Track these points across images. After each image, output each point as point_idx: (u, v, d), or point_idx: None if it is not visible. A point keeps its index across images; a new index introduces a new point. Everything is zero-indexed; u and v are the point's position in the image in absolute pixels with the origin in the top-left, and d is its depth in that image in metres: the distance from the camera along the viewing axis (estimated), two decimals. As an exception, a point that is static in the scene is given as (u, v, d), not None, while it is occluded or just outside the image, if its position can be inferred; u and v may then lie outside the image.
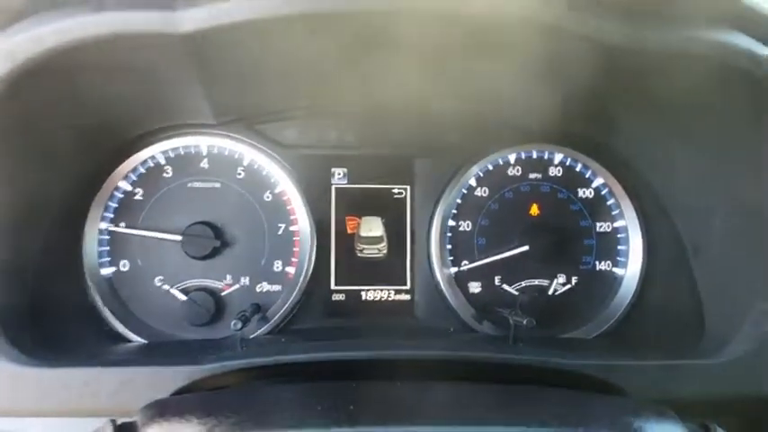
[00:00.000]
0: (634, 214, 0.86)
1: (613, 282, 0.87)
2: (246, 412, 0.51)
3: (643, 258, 0.85)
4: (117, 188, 0.84)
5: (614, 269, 0.87)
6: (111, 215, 0.84)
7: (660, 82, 0.66)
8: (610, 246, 0.88)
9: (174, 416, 0.51)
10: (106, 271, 0.84)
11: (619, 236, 0.88)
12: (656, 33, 0.58)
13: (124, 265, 0.85)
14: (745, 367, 0.66)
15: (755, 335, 0.67)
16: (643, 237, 0.86)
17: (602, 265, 0.88)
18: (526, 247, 0.85)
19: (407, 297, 0.88)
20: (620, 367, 0.66)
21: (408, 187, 0.89)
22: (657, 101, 0.70)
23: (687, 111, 0.70)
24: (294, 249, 0.87)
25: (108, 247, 0.84)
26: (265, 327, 0.84)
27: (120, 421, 0.52)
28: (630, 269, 0.86)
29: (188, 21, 0.56)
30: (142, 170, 0.85)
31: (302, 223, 0.87)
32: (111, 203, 0.84)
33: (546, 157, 0.89)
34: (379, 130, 0.88)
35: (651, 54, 0.60)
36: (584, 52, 0.61)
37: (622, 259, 0.87)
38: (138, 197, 0.85)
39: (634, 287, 0.85)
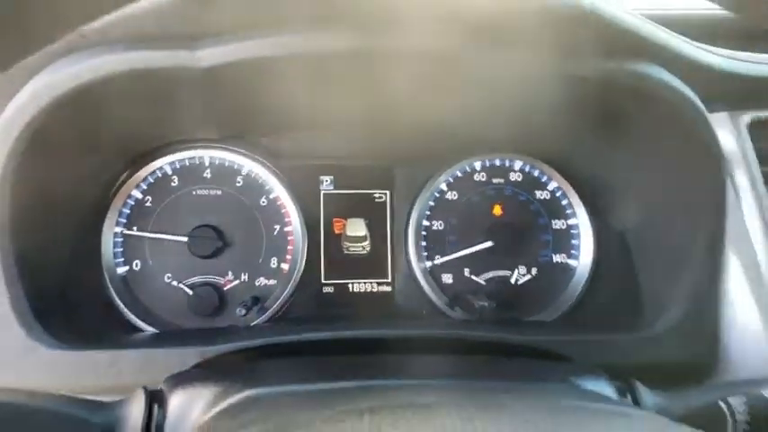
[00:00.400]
0: (585, 213, 0.98)
1: (568, 272, 0.99)
2: (256, 376, 0.61)
3: (593, 251, 0.97)
4: (130, 196, 0.94)
5: (569, 261, 0.99)
6: (125, 220, 0.94)
7: (596, 104, 0.79)
8: (564, 241, 1.00)
9: (195, 381, 0.59)
10: (121, 270, 0.93)
11: (572, 232, 1.00)
12: (581, 64, 0.72)
13: (137, 265, 0.94)
14: (672, 339, 0.78)
15: (681, 312, 0.80)
16: (593, 233, 0.98)
17: (558, 258, 0.99)
18: (491, 243, 0.97)
19: (389, 288, 0.99)
20: (568, 342, 0.78)
21: (388, 192, 1.00)
22: (597, 119, 0.84)
23: (622, 128, 0.83)
24: (288, 248, 0.97)
25: (122, 249, 0.93)
26: (264, 316, 0.94)
27: (150, 388, 0.61)
28: (582, 261, 0.98)
29: (206, 58, 0.68)
30: (151, 180, 0.95)
31: (295, 225, 0.97)
32: (124, 210, 0.94)
33: (507, 164, 1.01)
34: (363, 142, 0.98)
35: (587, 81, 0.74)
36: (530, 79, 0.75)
37: (575, 252, 0.99)
38: (148, 204, 0.94)
39: (586, 276, 0.97)
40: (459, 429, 0.37)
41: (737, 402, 0.62)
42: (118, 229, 0.93)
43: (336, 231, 0.99)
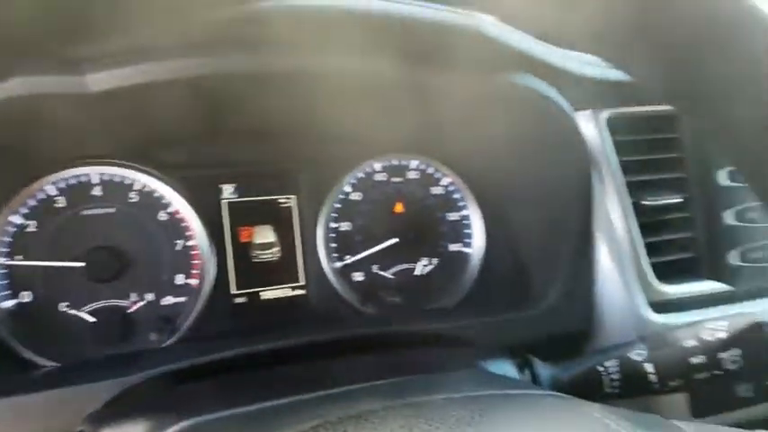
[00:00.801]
0: (475, 205, 1.08)
1: (464, 259, 1.08)
2: (187, 403, 0.61)
3: (484, 239, 1.08)
4: (8, 223, 0.85)
5: (464, 249, 1.08)
6: (7, 249, 0.85)
7: (481, 110, 0.88)
8: (459, 231, 1.08)
9: (120, 417, 0.57)
10: (8, 303, 0.85)
11: (465, 222, 1.09)
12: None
13: (27, 296, 0.86)
14: (556, 314, 0.90)
15: (561, 290, 0.92)
16: (483, 222, 1.08)
17: (454, 247, 1.08)
18: (395, 239, 1.03)
19: (303, 292, 1.01)
20: (468, 325, 0.87)
21: (294, 197, 1.01)
22: (481, 123, 0.92)
23: (502, 129, 0.92)
24: (194, 262, 0.95)
25: (7, 281, 0.85)
26: (176, 336, 0.92)
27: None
28: (476, 248, 1.08)
29: (95, 83, 0.64)
30: (33, 203, 0.87)
31: (199, 238, 0.94)
32: (4, 238, 0.85)
33: (405, 164, 1.07)
34: (266, 148, 0.98)
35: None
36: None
37: (469, 241, 1.08)
38: (31, 229, 0.86)
39: (480, 262, 1.07)
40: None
41: (611, 364, 0.74)
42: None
43: (244, 240, 0.98)
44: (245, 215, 0.98)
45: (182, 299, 0.94)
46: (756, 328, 0.69)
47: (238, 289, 0.98)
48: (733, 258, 0.97)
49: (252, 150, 0.98)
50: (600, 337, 0.87)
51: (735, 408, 0.84)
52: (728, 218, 0.98)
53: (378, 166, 1.05)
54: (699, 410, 0.84)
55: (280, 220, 1.00)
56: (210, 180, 0.97)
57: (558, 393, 0.52)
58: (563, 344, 0.86)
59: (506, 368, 0.73)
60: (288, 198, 1.01)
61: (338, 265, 1.02)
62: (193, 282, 0.95)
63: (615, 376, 0.73)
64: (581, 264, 0.92)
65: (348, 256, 1.03)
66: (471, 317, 0.91)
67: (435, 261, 1.07)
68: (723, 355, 0.68)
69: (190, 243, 0.95)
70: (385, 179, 1.05)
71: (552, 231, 0.97)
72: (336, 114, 0.89)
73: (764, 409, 0.88)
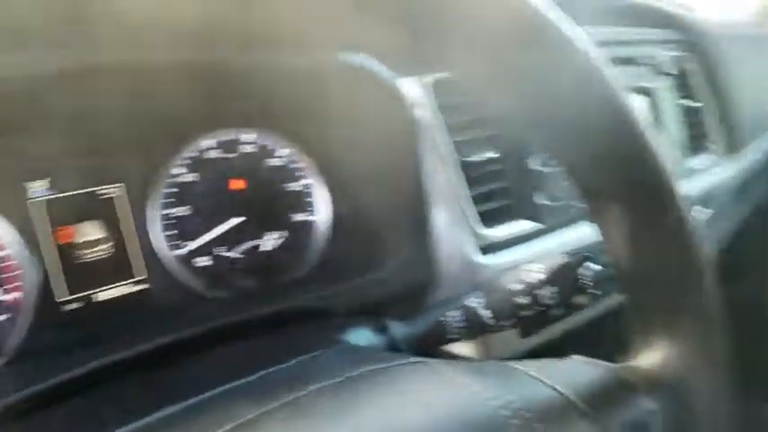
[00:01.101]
0: (316, 173, 1.09)
1: (311, 228, 1.09)
2: None
3: (329, 206, 1.09)
4: None
5: (309, 218, 1.09)
6: None
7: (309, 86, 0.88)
8: (302, 200, 1.08)
9: None
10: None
11: (308, 191, 1.09)
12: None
13: None
14: (402, 274, 0.97)
15: (404, 249, 0.99)
16: (327, 190, 1.09)
17: (300, 217, 1.08)
18: (238, 217, 1.00)
19: (145, 286, 0.93)
20: (322, 295, 0.90)
21: (123, 185, 0.91)
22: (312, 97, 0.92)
23: (329, 99, 0.93)
24: (11, 275, 0.82)
25: None
26: (4, 357, 0.80)
27: None
28: (321, 216, 1.09)
29: None
30: None
31: (12, 246, 0.82)
32: None
33: (238, 138, 1.02)
34: (80, 135, 0.86)
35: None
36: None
37: (313, 209, 1.09)
38: None
39: (327, 230, 1.09)
40: None
41: (454, 314, 0.83)
42: None
43: (64, 241, 0.87)
44: (64, 213, 0.87)
45: (3, 316, 0.82)
46: (566, 266, 0.83)
47: (69, 294, 0.88)
48: (540, 199, 1.13)
49: (65, 140, 0.86)
50: (443, 287, 0.96)
51: (550, 324, 1.01)
52: (534, 164, 1.13)
53: (209, 143, 0.99)
54: (525, 333, 0.98)
55: (107, 214, 0.90)
56: (17, 177, 0.83)
57: (422, 359, 0.57)
58: (412, 301, 0.93)
59: (366, 335, 0.78)
60: (113, 188, 0.91)
61: (179, 252, 0.96)
62: (14, 296, 0.83)
63: (459, 324, 0.82)
64: (418, 221, 0.99)
65: (189, 243, 0.97)
66: (324, 286, 0.94)
67: (283, 234, 1.06)
68: (542, 292, 0.81)
69: (2, 254, 0.82)
70: (219, 156, 1.00)
71: (390, 193, 1.02)
72: (155, 93, 0.82)
73: (572, 320, 1.07)
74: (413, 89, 1.01)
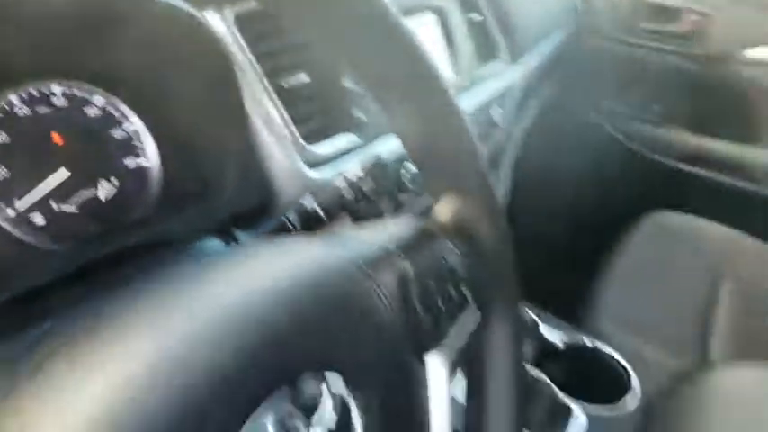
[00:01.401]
0: (136, 117, 1.11)
1: (144, 171, 1.12)
2: None
3: (157, 148, 1.12)
4: None
5: (140, 161, 1.11)
6: None
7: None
8: (129, 146, 1.10)
9: None
10: None
11: (134, 136, 1.11)
12: None
13: None
14: (238, 197, 1.06)
15: (237, 176, 1.08)
16: (151, 133, 1.12)
17: (131, 162, 1.10)
18: (63, 170, 0.99)
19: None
20: (165, 230, 0.98)
21: None
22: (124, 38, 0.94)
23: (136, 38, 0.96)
24: None
25: None
26: None
27: None
28: (151, 158, 1.11)
29: None
30: None
31: None
32: None
33: (46, 90, 1.00)
34: None
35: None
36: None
37: (142, 153, 1.12)
38: None
39: (160, 169, 1.12)
40: None
41: (292, 216, 0.96)
42: None
43: None
44: None
45: None
46: (384, 167, 1.00)
47: None
48: (358, 114, 1.28)
49: None
50: (280, 203, 1.09)
51: (381, 216, 1.19)
52: (349, 82, 1.27)
53: (14, 99, 0.96)
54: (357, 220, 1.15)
55: None
56: None
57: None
58: (254, 218, 1.04)
59: (215, 245, 0.88)
60: None
61: (11, 213, 0.95)
62: None
63: (297, 223, 0.95)
64: (247, 148, 1.08)
65: (16, 201, 0.96)
66: (166, 220, 1.00)
67: (116, 181, 1.08)
68: (363, 186, 0.97)
69: None
70: (30, 113, 0.98)
71: (215, 126, 1.09)
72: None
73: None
74: (215, 21, 1.07)
